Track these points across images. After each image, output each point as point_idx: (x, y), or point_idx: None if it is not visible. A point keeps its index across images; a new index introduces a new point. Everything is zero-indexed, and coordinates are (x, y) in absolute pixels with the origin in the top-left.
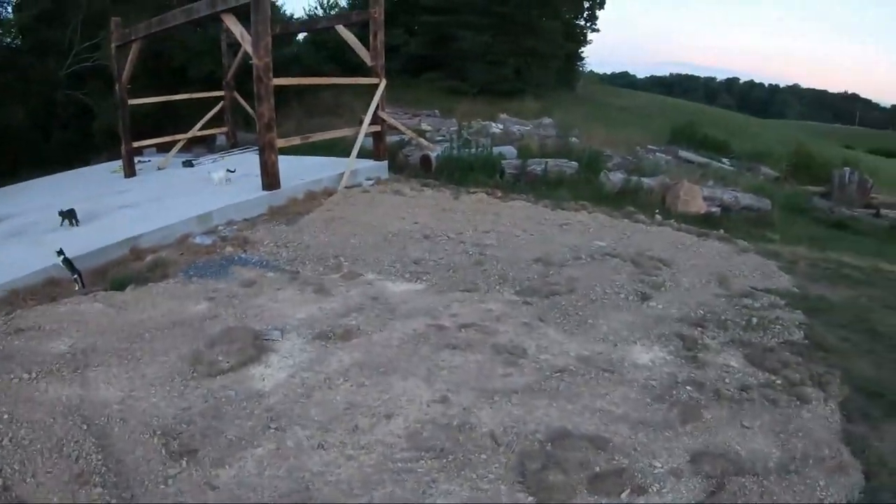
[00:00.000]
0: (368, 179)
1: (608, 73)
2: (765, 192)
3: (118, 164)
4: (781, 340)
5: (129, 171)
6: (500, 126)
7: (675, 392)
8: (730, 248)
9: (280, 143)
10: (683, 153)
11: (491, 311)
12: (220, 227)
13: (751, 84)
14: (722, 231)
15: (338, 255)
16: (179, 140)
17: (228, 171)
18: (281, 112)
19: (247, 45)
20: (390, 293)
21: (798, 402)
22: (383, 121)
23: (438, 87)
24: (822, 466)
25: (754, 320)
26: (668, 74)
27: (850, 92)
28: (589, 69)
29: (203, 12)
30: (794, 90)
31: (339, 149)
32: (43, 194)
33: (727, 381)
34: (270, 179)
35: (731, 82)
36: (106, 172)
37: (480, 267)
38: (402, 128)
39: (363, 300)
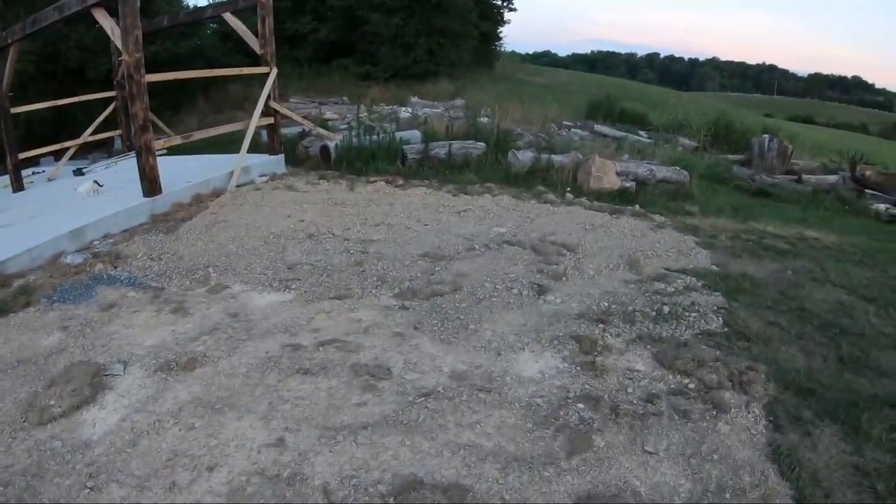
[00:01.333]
0: (262, 176)
1: (530, 52)
2: (684, 163)
3: (6, 178)
4: (697, 331)
5: (17, 186)
6: (409, 110)
7: (563, 413)
8: (645, 224)
9: (158, 144)
10: (599, 127)
11: (360, 322)
12: (95, 243)
13: (671, 58)
14: (637, 207)
15: (209, 264)
16: (69, 147)
17: (96, 182)
18: (185, 109)
19: (116, 41)
20: (253, 307)
21: (714, 412)
22: (276, 112)
23: (351, 74)
24: (744, 497)
25: (666, 309)
26: (589, 52)
27: (767, 63)
28: (511, 49)
29: (74, 8)
30: (714, 63)
31: (235, 147)
32: None
33: (630, 391)
34: (150, 185)
35: (652, 57)
36: None
37: (359, 268)
38: (298, 118)
39: (221, 318)
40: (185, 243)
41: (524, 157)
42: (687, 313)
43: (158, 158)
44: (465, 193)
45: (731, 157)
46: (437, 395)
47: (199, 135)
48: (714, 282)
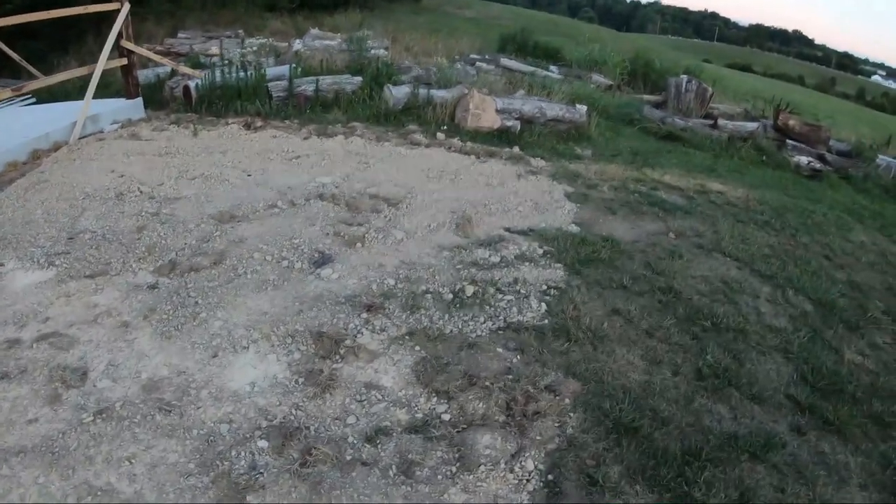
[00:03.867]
0: (115, 123)
1: None
2: (591, 101)
3: None
4: (503, 324)
5: None
6: (300, 43)
7: (237, 453)
8: (514, 170)
9: None
10: (506, 61)
11: (95, 308)
12: None
13: None
14: (516, 149)
15: (2, 236)
16: None
17: None
18: (73, 49)
19: None
20: (10, 290)
21: (454, 469)
22: (130, 52)
23: (258, 4)
24: None
25: (470, 290)
26: None
27: (710, 10)
28: None
29: None
30: (656, 7)
31: (113, 88)
32: None
33: (350, 421)
34: None
35: None
36: None
37: (137, 235)
38: (157, 57)
39: None
40: None
41: (399, 92)
42: (500, 295)
43: (11, 110)
44: (325, 135)
45: (646, 97)
46: (112, 413)
47: (32, 85)
48: (562, 248)
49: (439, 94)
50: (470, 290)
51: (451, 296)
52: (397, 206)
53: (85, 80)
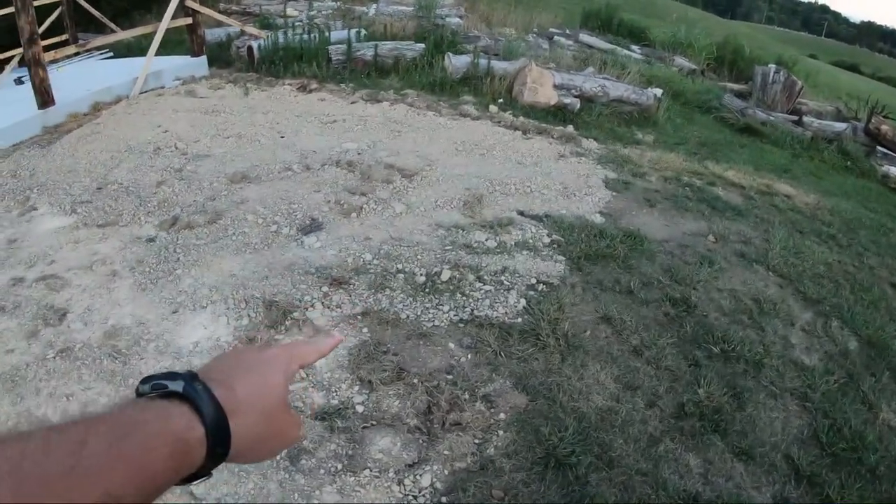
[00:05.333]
0: (177, 80)
1: None
2: (663, 83)
3: None
4: (465, 317)
5: None
6: (375, 7)
7: None
8: (556, 149)
9: (49, 56)
10: (586, 37)
11: (95, 255)
12: None
13: None
14: (571, 128)
15: (43, 184)
16: (14, 55)
17: None
18: (157, 7)
19: None
20: (35, 233)
21: (341, 468)
22: (195, 11)
23: None
24: None
25: (447, 274)
26: None
27: (820, 2)
28: None
29: None
30: None
31: (185, 46)
32: None
33: None
34: (42, 97)
35: None
36: None
37: (156, 189)
38: (221, 17)
39: None
40: (49, 159)
41: (459, 61)
42: (479, 285)
43: (87, 63)
44: (373, 101)
45: (730, 85)
46: (70, 353)
47: (96, 42)
48: (572, 239)
49: (500, 65)
50: (447, 274)
51: (423, 278)
52: (411, 178)
53: (168, 37)
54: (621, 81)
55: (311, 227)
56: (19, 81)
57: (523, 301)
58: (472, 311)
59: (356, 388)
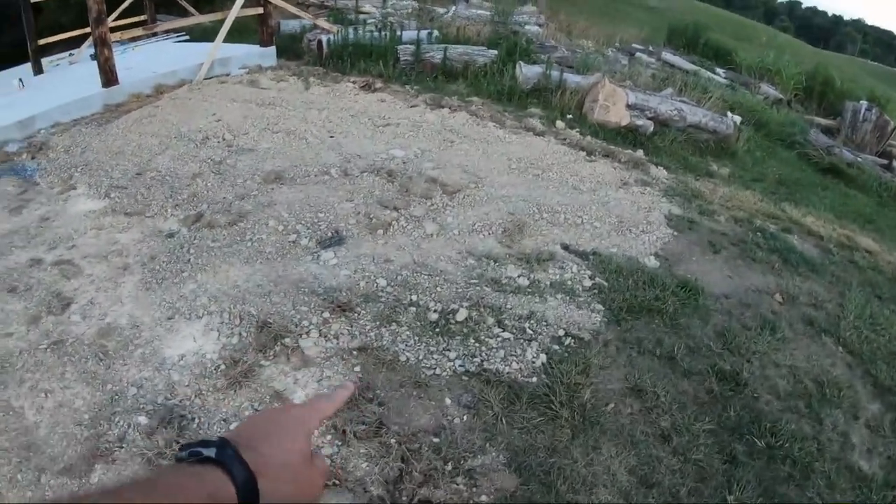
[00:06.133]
0: (244, 68)
1: None
2: (746, 111)
3: (57, 57)
4: (473, 369)
5: (37, 70)
6: (454, 10)
7: (122, 420)
8: (620, 176)
9: (115, 36)
10: (668, 56)
11: (115, 245)
12: (41, 131)
13: (813, 10)
14: (641, 152)
15: (87, 163)
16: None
17: (20, 80)
18: None
19: None
20: (67, 213)
21: None
22: (266, 1)
23: None
24: None
25: (462, 314)
26: None
27: None
28: None
29: None
30: (858, 25)
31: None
32: None
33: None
34: (106, 76)
35: (793, 6)
36: (24, 72)
37: (191, 181)
38: (292, 9)
39: (32, 221)
40: (102, 138)
41: (530, 71)
42: (497, 330)
43: (162, 45)
44: (435, 106)
45: (818, 119)
46: (61, 347)
47: (162, 27)
48: (616, 286)
49: (573, 78)
50: (463, 314)
51: (436, 315)
52: (453, 195)
53: (246, 25)
54: (700, 106)
55: (331, 240)
56: (94, 57)
57: (543, 357)
58: (482, 362)
59: (328, 436)
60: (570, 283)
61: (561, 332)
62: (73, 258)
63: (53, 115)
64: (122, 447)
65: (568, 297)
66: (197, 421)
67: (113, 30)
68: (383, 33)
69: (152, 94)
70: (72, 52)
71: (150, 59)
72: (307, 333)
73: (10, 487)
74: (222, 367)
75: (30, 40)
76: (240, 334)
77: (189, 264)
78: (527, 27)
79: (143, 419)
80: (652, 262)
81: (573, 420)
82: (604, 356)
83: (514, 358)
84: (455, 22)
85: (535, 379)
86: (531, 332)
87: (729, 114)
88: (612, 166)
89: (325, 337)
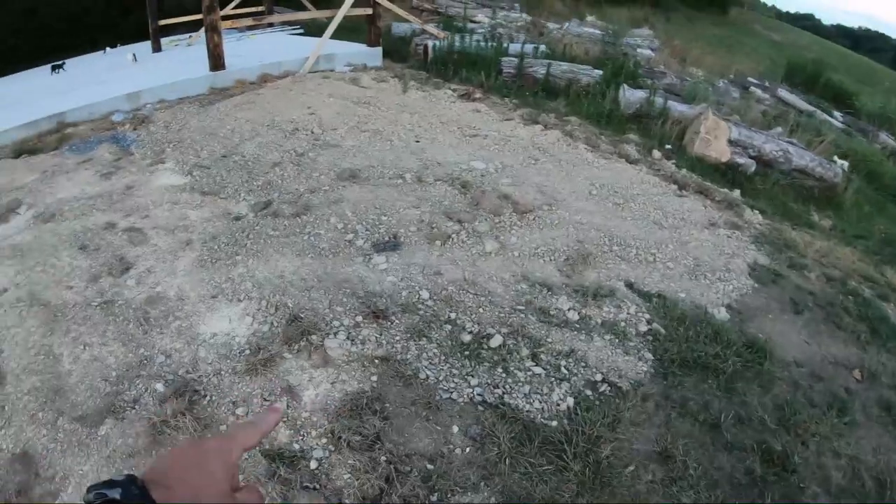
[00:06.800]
0: (348, 66)
1: (792, 11)
2: (858, 159)
3: (178, 38)
4: (493, 400)
5: (156, 48)
6: (564, 27)
7: (144, 385)
8: (708, 216)
9: (226, 24)
10: (784, 93)
11: (185, 220)
12: (147, 106)
13: None
14: (737, 192)
15: (182, 140)
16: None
17: (133, 55)
18: None
19: None
20: (150, 186)
21: None
22: (376, 3)
23: None
24: None
25: (497, 340)
26: (856, 27)
27: None
28: (771, 4)
29: None
30: None
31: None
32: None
33: (237, 413)
34: (215, 61)
35: None
36: (144, 49)
37: (267, 168)
38: (401, 12)
39: (117, 188)
40: (201, 118)
41: (633, 95)
42: (529, 364)
43: (277, 36)
44: (530, 121)
45: None
46: (111, 307)
47: (270, 19)
48: (674, 335)
49: (678, 107)
50: (498, 340)
51: (470, 337)
52: (523, 214)
53: (359, 24)
54: (810, 150)
55: (387, 245)
56: None
57: (571, 400)
58: (504, 394)
59: (324, 440)
60: (623, 324)
61: (598, 377)
62: (143, 227)
63: (161, 91)
64: (135, 409)
65: (617, 340)
66: (208, 398)
67: (227, 17)
68: (490, 44)
69: (256, 82)
70: (191, 34)
71: (261, 48)
72: (335, 334)
73: (30, 422)
74: (247, 351)
75: (151, 20)
76: (272, 323)
77: (245, 248)
78: (639, 50)
79: (160, 386)
80: (721, 314)
81: (584, 475)
82: (638, 411)
83: (539, 396)
84: (564, 39)
85: (555, 423)
86: (566, 371)
87: (836, 159)
88: (702, 204)
89: (352, 340)
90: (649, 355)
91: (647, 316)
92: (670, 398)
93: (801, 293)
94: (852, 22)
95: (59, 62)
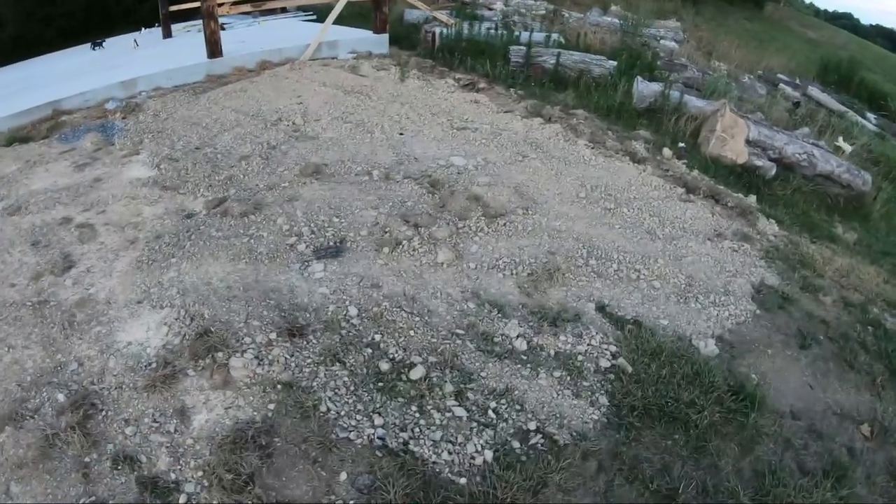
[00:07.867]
0: (351, 53)
1: (830, 10)
2: (892, 165)
3: (190, 24)
4: (395, 446)
5: (166, 33)
6: (583, 17)
7: (39, 395)
8: (715, 224)
9: (223, 10)
10: (815, 91)
11: (137, 217)
12: (141, 93)
13: None
14: (752, 198)
15: (161, 130)
16: (223, 3)
17: (135, 41)
18: None
19: None
20: (119, 178)
21: None
22: None
23: None
24: None
25: (418, 372)
26: (895, 28)
27: None
28: (809, 1)
29: None
30: None
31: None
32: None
33: (127, 434)
34: (212, 48)
35: None
36: (154, 34)
37: (236, 162)
38: None
39: (84, 181)
40: (189, 107)
41: (647, 88)
42: (449, 402)
43: (286, 22)
44: (532, 114)
45: None
46: (41, 309)
47: (270, 5)
48: (645, 376)
49: (695, 103)
50: (419, 372)
51: (388, 366)
52: (494, 219)
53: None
54: (837, 153)
55: (328, 251)
56: (223, 27)
57: (489, 454)
58: (409, 439)
59: (199, 473)
60: (581, 358)
61: (533, 425)
62: (96, 223)
63: (157, 79)
64: (34, 418)
65: (568, 378)
66: (104, 413)
67: (223, 3)
68: (501, 32)
69: (254, 70)
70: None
71: (265, 34)
72: (243, 352)
73: None
74: (153, 364)
75: (161, 6)
76: (184, 335)
77: (182, 250)
78: (662, 42)
79: (61, 397)
80: (708, 348)
81: None
82: (574, 472)
83: (450, 446)
84: (582, 27)
85: (463, 480)
86: (493, 415)
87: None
88: (710, 211)
89: (260, 361)
90: (604, 400)
91: (614, 348)
92: (619, 457)
93: (811, 322)
94: (893, 22)
95: (100, 40)
